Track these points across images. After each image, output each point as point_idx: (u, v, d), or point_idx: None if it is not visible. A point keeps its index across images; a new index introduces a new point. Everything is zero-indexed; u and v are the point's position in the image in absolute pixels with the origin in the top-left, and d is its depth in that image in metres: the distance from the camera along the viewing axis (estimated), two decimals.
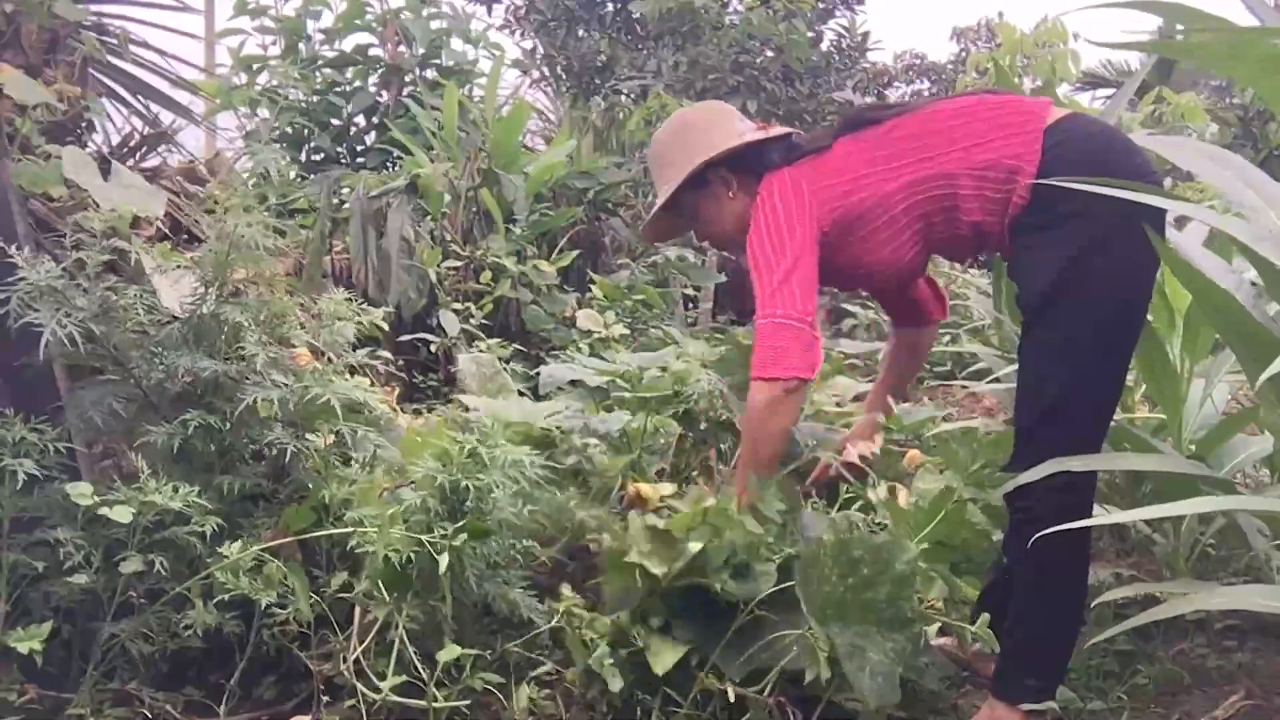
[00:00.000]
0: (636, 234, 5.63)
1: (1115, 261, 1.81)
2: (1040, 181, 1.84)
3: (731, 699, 1.87)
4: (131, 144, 3.35)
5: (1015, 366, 2.72)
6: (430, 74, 5.90)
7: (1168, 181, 5.20)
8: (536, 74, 10.29)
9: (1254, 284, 2.19)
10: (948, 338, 5.13)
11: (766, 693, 1.87)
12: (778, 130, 2.19)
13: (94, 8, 3.26)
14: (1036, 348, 1.92)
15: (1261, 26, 1.68)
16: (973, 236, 2.03)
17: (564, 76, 10.08)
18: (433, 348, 3.99)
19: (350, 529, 1.91)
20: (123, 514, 1.80)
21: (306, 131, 5.70)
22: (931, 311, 2.50)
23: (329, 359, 2.23)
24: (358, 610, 1.95)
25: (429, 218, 4.49)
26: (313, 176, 5.25)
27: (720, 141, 2.16)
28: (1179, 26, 1.69)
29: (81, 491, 1.82)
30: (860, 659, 1.81)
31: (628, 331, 4.44)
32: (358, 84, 5.87)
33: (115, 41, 3.17)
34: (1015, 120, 1.94)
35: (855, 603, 1.83)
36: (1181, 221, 2.38)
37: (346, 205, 4.50)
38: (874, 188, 2.02)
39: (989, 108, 2.00)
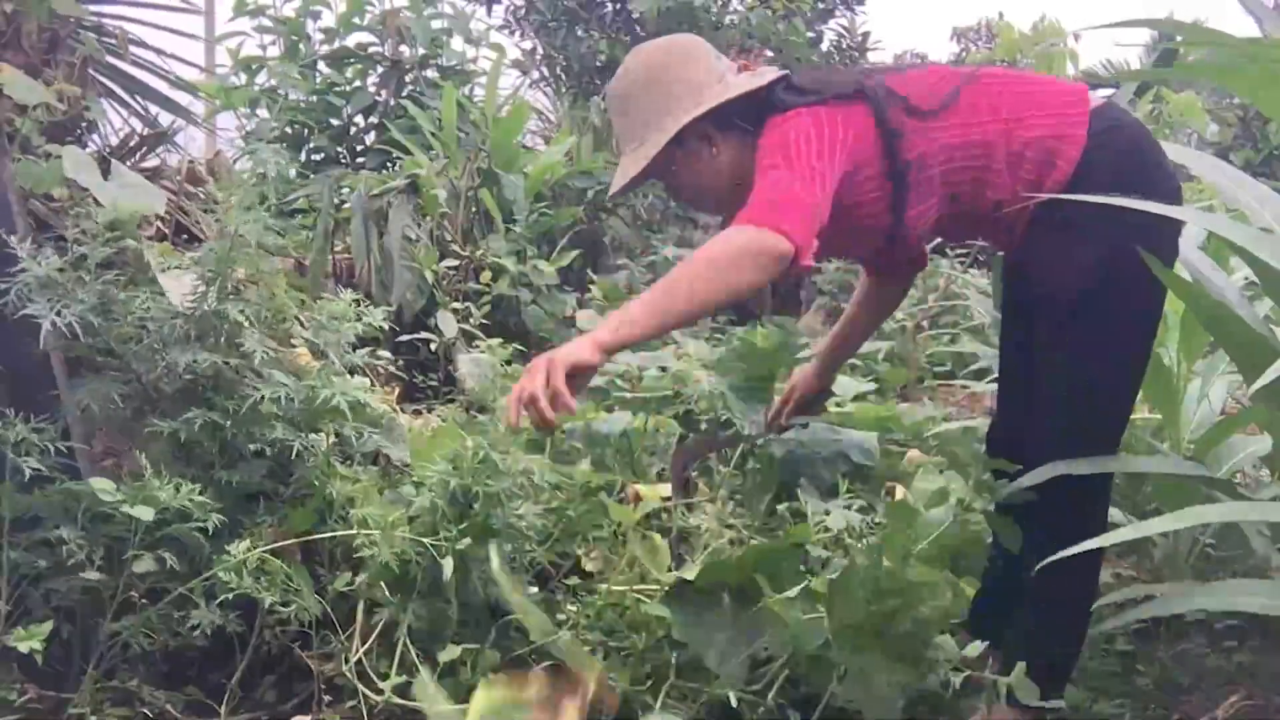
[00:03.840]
0: (637, 234, 5.63)
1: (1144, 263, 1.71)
2: (1069, 197, 1.71)
3: (734, 703, 1.87)
4: (131, 144, 3.34)
5: None
6: (430, 74, 5.90)
7: None
8: (536, 74, 10.28)
9: (1249, 281, 2.20)
10: (948, 338, 5.13)
11: (768, 696, 1.88)
12: (768, 72, 1.88)
13: (94, 8, 3.26)
14: (1062, 353, 1.84)
15: (1256, 40, 1.67)
16: (989, 216, 1.88)
17: (564, 76, 10.08)
18: (432, 347, 3.99)
19: (354, 530, 1.91)
20: (145, 512, 1.79)
21: (306, 131, 5.70)
22: (910, 270, 2.28)
23: (329, 359, 2.24)
24: (360, 610, 1.96)
25: (428, 217, 4.50)
26: (312, 176, 5.25)
27: (704, 91, 1.84)
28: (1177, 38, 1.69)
29: (104, 487, 1.82)
30: (866, 683, 1.83)
31: None
32: (357, 84, 5.87)
33: (115, 42, 3.17)
34: (1057, 100, 1.83)
35: (873, 631, 1.83)
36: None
37: (347, 205, 4.51)
38: (911, 144, 1.81)
39: (1026, 83, 1.89)
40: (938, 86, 1.86)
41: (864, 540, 2.32)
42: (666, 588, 2.00)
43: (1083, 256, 1.79)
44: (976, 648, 1.87)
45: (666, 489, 2.53)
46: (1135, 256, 1.67)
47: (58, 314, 1.84)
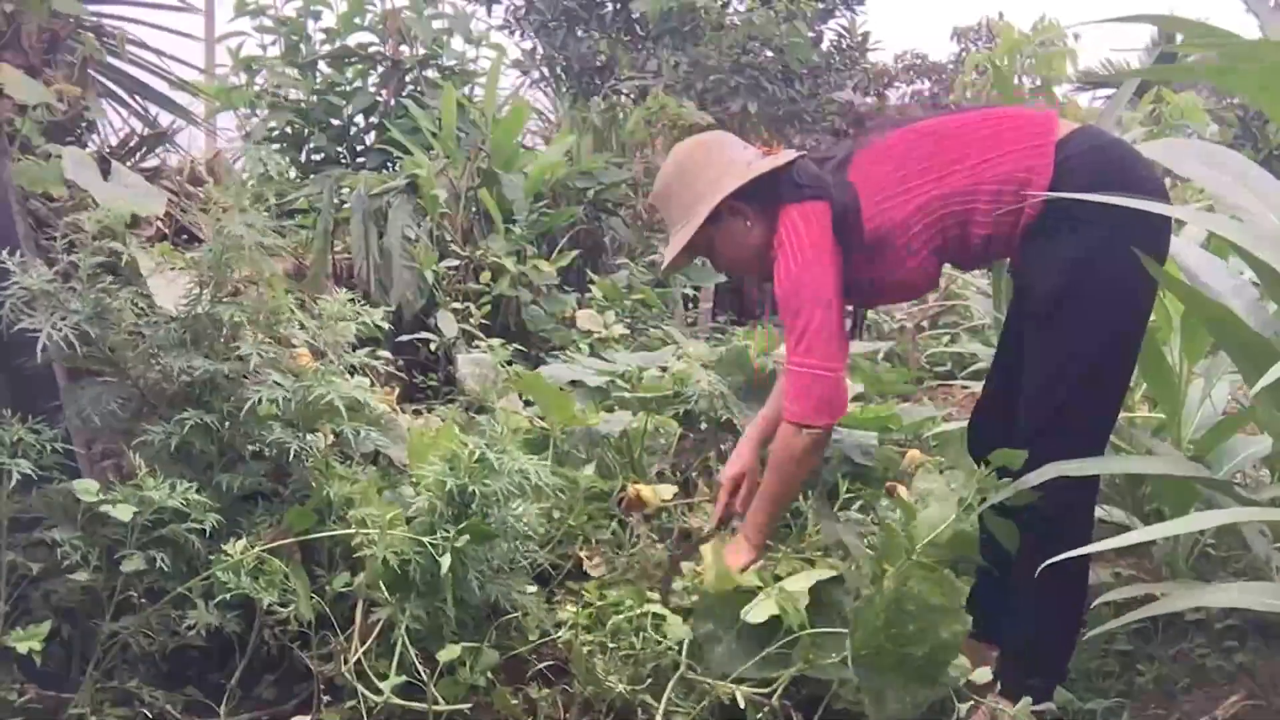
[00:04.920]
0: (637, 234, 5.63)
1: (1124, 267, 1.82)
2: (1052, 195, 1.86)
3: (741, 703, 1.87)
4: (131, 144, 3.34)
5: None
6: (430, 74, 5.90)
7: (1167, 182, 5.18)
8: (536, 74, 10.29)
9: (1255, 284, 2.20)
10: (948, 338, 5.13)
11: (772, 696, 1.88)
12: (785, 154, 2.16)
13: (94, 8, 3.26)
14: (1045, 350, 1.95)
15: (1256, 41, 1.67)
16: (982, 247, 2.05)
17: (564, 76, 10.09)
18: (432, 347, 3.99)
19: (353, 530, 1.91)
20: (124, 512, 1.80)
21: (306, 131, 5.69)
22: None
23: (329, 359, 2.23)
24: (359, 610, 1.95)
25: (428, 217, 4.49)
26: (312, 176, 5.25)
27: (728, 176, 2.12)
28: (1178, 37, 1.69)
29: (86, 488, 1.82)
30: (881, 701, 1.87)
31: (628, 331, 4.43)
32: (357, 84, 5.86)
33: (114, 42, 3.17)
34: (1026, 134, 1.96)
35: (893, 653, 1.87)
36: (1180, 224, 2.38)
37: (347, 205, 4.50)
38: (893, 212, 2.01)
39: (997, 121, 2.02)
40: (907, 159, 2.02)
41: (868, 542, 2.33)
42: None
43: (1059, 260, 1.91)
44: (985, 675, 1.90)
45: (668, 490, 2.53)
46: (1110, 259, 1.83)
47: (54, 325, 1.84)
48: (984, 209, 1.97)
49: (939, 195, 1.99)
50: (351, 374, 2.27)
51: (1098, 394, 1.94)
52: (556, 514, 2.34)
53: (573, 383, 3.02)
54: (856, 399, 3.27)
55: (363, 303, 2.35)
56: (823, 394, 2.03)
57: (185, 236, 3.08)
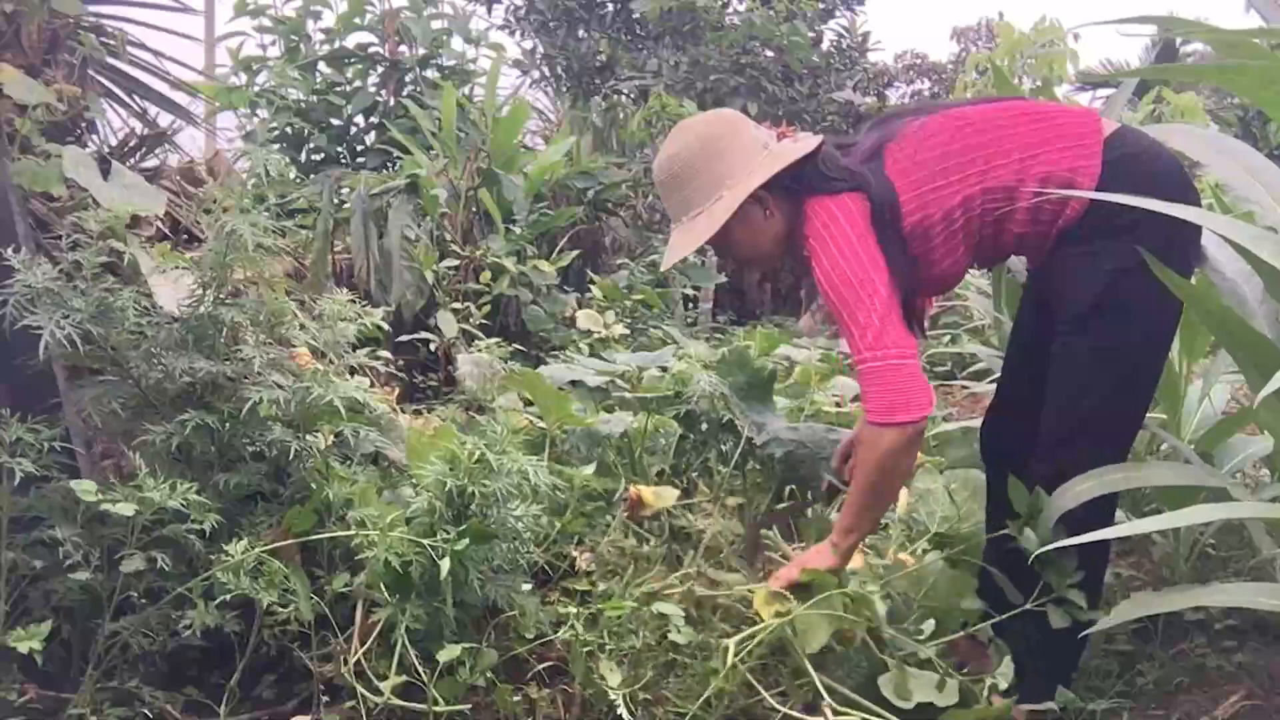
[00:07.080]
0: (637, 234, 5.64)
1: (1159, 280, 1.76)
2: (1092, 195, 1.81)
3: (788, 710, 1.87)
4: (131, 144, 3.35)
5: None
6: (430, 74, 5.91)
7: None
8: (536, 74, 10.30)
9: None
10: (948, 338, 5.14)
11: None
12: (806, 140, 1.99)
13: (93, 8, 3.26)
14: (1077, 358, 1.90)
15: (1254, 30, 1.68)
16: (1014, 245, 1.99)
17: (564, 76, 10.09)
18: (432, 347, 3.99)
19: (352, 531, 1.91)
20: (126, 509, 1.79)
21: (306, 131, 5.70)
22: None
23: (329, 360, 2.23)
24: (359, 611, 1.95)
25: (428, 217, 4.50)
26: (312, 176, 5.26)
27: (757, 160, 1.96)
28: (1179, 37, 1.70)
29: (85, 489, 1.82)
30: (903, 693, 1.86)
31: (628, 331, 4.44)
32: (357, 84, 5.87)
33: (114, 42, 3.17)
34: (1069, 131, 1.90)
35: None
36: None
37: (347, 205, 4.51)
38: (934, 205, 1.91)
39: (1039, 117, 1.95)
40: (949, 149, 1.92)
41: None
42: None
43: (1100, 268, 1.86)
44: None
45: (671, 493, 2.52)
46: (1149, 274, 1.74)
47: (57, 324, 1.84)
48: (1025, 206, 1.89)
49: (983, 190, 1.90)
50: (351, 374, 2.28)
51: (1125, 405, 1.91)
52: (546, 518, 2.33)
53: (573, 383, 3.02)
54: (858, 399, 3.27)
55: (363, 303, 2.35)
56: (902, 384, 1.85)
57: (185, 236, 3.08)
